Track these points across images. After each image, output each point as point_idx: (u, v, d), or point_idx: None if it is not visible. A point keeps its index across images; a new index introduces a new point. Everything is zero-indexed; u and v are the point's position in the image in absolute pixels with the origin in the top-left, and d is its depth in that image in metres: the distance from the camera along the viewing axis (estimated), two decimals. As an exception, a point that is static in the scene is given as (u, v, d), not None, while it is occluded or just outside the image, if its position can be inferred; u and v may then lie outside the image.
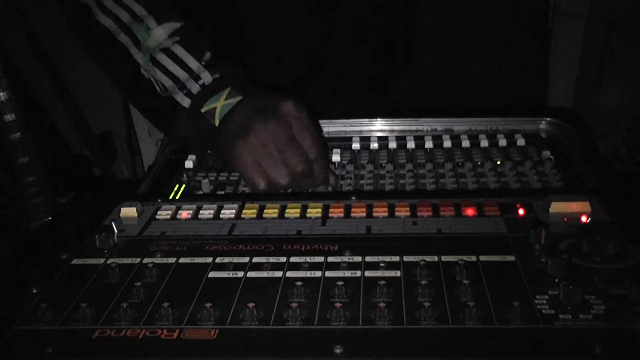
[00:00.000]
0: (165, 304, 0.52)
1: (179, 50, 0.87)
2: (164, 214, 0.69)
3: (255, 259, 0.59)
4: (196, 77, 0.86)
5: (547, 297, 0.52)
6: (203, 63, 0.86)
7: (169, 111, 0.87)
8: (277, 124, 0.78)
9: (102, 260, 0.61)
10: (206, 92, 0.85)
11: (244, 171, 0.80)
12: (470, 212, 0.66)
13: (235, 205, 0.70)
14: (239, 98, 0.83)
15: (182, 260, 0.60)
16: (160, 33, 0.87)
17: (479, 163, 0.86)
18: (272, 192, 0.79)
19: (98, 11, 0.91)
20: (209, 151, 0.91)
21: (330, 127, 0.97)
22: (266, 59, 1.07)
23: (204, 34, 0.90)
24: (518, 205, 0.66)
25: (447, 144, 0.91)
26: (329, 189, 0.83)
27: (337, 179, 0.84)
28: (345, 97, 1.13)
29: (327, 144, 0.89)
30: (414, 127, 0.96)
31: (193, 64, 0.86)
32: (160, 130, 0.99)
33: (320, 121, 0.92)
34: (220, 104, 0.83)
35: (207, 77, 0.85)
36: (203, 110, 0.84)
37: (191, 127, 0.86)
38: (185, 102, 0.86)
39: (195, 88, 0.85)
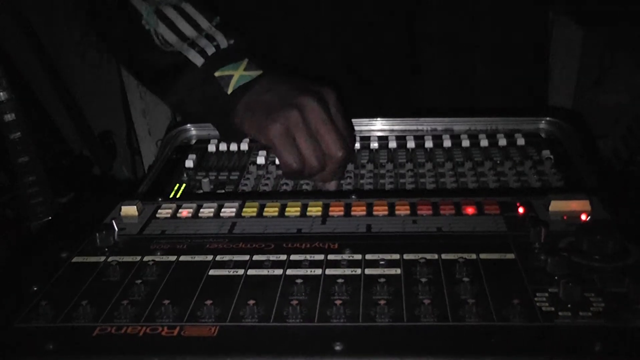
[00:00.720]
0: (166, 302, 0.52)
1: (189, 9, 0.84)
2: (164, 212, 0.69)
3: (256, 257, 0.60)
4: (209, 37, 0.83)
5: (546, 294, 0.52)
6: (214, 24, 0.84)
7: (170, 66, 0.84)
8: (321, 105, 0.76)
9: (102, 258, 0.61)
10: (223, 57, 0.82)
11: (279, 144, 0.77)
12: (470, 210, 0.66)
13: (236, 204, 0.70)
14: (258, 72, 0.80)
15: (182, 258, 0.60)
16: None
17: (480, 161, 0.86)
18: (299, 176, 0.78)
19: None
20: (212, 124, 0.89)
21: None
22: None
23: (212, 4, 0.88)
24: (518, 204, 0.66)
25: (447, 143, 0.91)
26: (330, 187, 0.83)
27: (338, 182, 0.84)
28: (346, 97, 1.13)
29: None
30: (414, 127, 0.97)
31: (204, 23, 0.84)
32: (151, 90, 0.95)
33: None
34: (238, 73, 0.80)
35: (222, 40, 0.83)
36: (217, 74, 0.81)
37: (194, 90, 0.83)
38: (198, 60, 0.82)
39: (209, 48, 0.82)
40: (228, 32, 0.84)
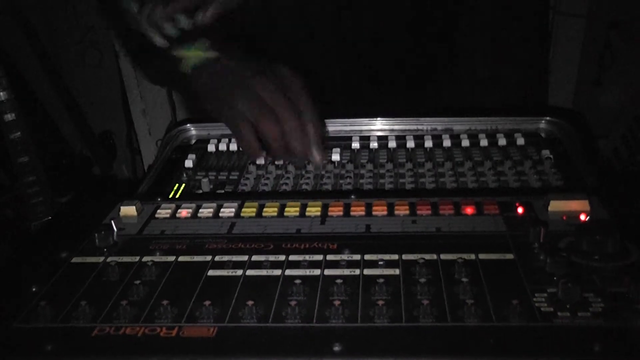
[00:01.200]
0: (165, 302, 0.52)
1: None
2: (163, 212, 0.69)
3: (255, 257, 0.60)
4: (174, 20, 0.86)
5: (545, 295, 0.52)
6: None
7: (142, 46, 0.88)
8: (270, 81, 0.79)
9: (101, 259, 0.61)
10: (183, 38, 0.85)
11: (233, 123, 0.80)
12: (469, 210, 0.66)
13: (235, 204, 0.70)
14: (214, 54, 0.83)
15: (181, 258, 0.60)
16: None
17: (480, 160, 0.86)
18: (263, 151, 0.79)
19: None
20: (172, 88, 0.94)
21: (330, 126, 0.97)
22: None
23: None
24: (517, 204, 0.66)
25: (446, 143, 0.91)
26: (313, 167, 0.82)
27: (323, 157, 0.81)
28: (346, 97, 1.13)
29: (323, 121, 0.87)
30: (414, 127, 0.96)
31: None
32: (145, 74, 0.99)
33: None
34: (193, 54, 0.83)
35: (185, 22, 0.85)
36: (177, 54, 0.84)
37: (162, 66, 0.89)
38: (161, 42, 0.86)
39: (172, 30, 0.85)
40: (195, 15, 0.86)
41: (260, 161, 0.87)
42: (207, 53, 0.83)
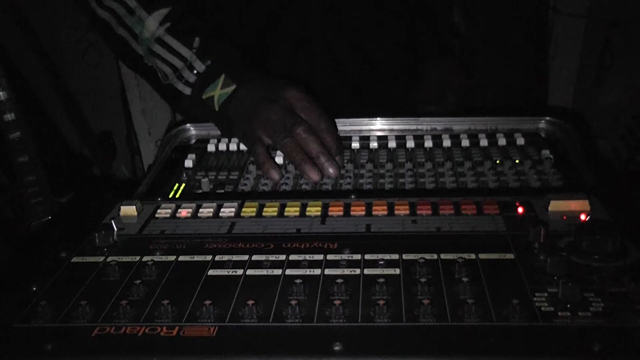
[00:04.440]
0: (165, 302, 0.52)
1: (170, 40, 0.94)
2: (163, 212, 0.69)
3: (255, 257, 0.59)
4: (190, 66, 0.93)
5: (546, 294, 0.52)
6: (194, 50, 0.93)
7: (173, 96, 0.95)
8: (284, 107, 0.85)
9: (101, 258, 0.61)
10: (202, 81, 0.92)
11: (253, 148, 0.85)
12: (469, 210, 0.66)
13: (235, 204, 0.70)
14: (233, 87, 0.90)
15: (181, 258, 0.60)
16: (151, 22, 0.94)
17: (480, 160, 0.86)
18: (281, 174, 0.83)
19: (96, 5, 0.98)
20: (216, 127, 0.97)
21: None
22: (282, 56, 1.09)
23: (193, 14, 0.96)
24: (517, 204, 0.66)
25: (446, 143, 0.91)
26: (328, 179, 0.82)
27: (338, 171, 0.83)
28: (345, 97, 1.13)
29: (335, 124, 0.92)
30: (414, 127, 0.96)
31: (185, 52, 0.93)
32: (173, 108, 1.06)
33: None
34: (217, 93, 0.90)
35: (199, 66, 0.93)
36: (204, 97, 0.91)
37: (196, 109, 0.94)
38: (187, 90, 0.93)
39: (192, 78, 0.93)
40: (205, 53, 0.93)
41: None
42: (229, 88, 0.90)
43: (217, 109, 0.91)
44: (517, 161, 0.86)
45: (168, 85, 0.95)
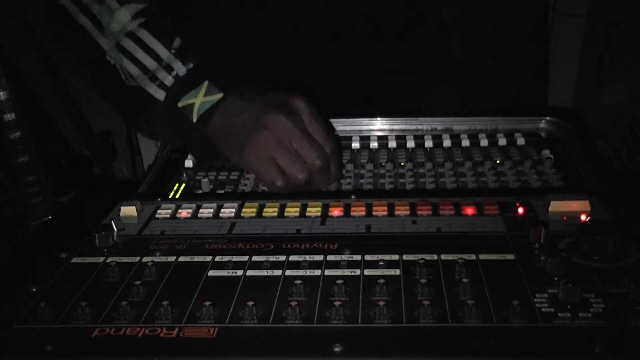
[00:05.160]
0: (165, 303, 0.52)
1: (146, 36, 0.83)
2: (163, 212, 0.69)
3: (255, 258, 0.59)
4: (167, 67, 0.82)
5: (546, 295, 0.52)
6: (173, 51, 0.82)
7: (136, 101, 0.83)
8: (291, 120, 0.76)
9: (101, 259, 0.61)
10: (181, 86, 0.81)
11: (259, 169, 0.78)
12: (469, 211, 0.66)
13: (235, 204, 0.70)
14: (219, 95, 0.80)
15: (181, 258, 0.60)
16: (123, 14, 0.83)
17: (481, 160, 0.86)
18: (289, 190, 0.78)
19: None
20: (181, 143, 0.89)
21: (330, 126, 0.97)
22: (271, 58, 1.07)
23: (170, 16, 0.86)
24: (517, 204, 0.66)
25: (446, 143, 0.91)
26: (331, 188, 0.82)
27: (339, 182, 0.84)
28: (345, 96, 1.13)
29: (340, 141, 0.89)
30: (414, 127, 0.96)
31: (162, 51, 0.82)
32: (125, 121, 0.96)
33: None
34: (199, 100, 0.80)
35: (180, 68, 0.82)
36: (180, 105, 0.80)
37: (165, 120, 0.83)
38: (160, 94, 0.82)
39: (168, 80, 0.82)
40: (187, 55, 0.82)
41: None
42: (213, 96, 0.80)
43: (194, 119, 0.80)
44: (497, 161, 0.86)
45: (133, 87, 0.83)
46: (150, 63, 0.82)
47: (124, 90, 0.84)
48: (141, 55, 0.83)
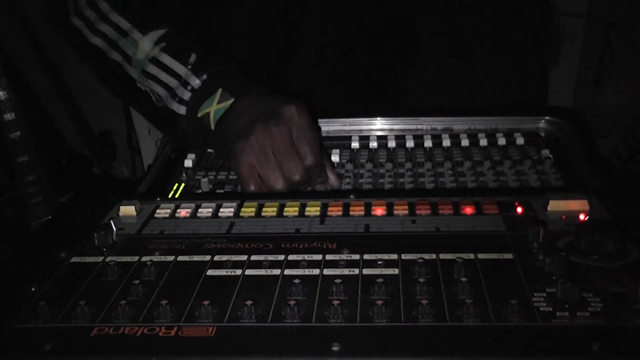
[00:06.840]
0: (164, 302, 0.52)
1: (165, 58, 0.87)
2: (162, 212, 0.69)
3: (254, 257, 0.59)
4: (185, 83, 0.86)
5: (545, 294, 0.52)
6: (189, 67, 0.86)
7: (170, 119, 0.87)
8: (278, 130, 0.78)
9: (100, 259, 0.61)
10: (198, 97, 0.84)
11: (238, 171, 0.79)
12: (469, 210, 0.66)
13: (234, 204, 0.70)
14: (231, 101, 0.82)
15: (180, 258, 0.60)
16: (146, 43, 0.89)
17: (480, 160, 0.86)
18: (265, 192, 0.79)
19: (89, 32, 0.93)
20: (209, 150, 0.92)
21: (330, 126, 0.97)
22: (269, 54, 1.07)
23: (189, 33, 0.90)
24: (516, 204, 0.66)
25: (446, 143, 0.91)
26: (329, 187, 0.83)
27: (339, 181, 0.84)
28: (345, 96, 1.13)
29: (326, 150, 0.89)
30: (414, 126, 0.96)
31: (180, 69, 0.86)
32: (166, 135, 1.00)
33: (320, 120, 0.92)
34: (213, 109, 0.82)
35: (194, 81, 0.85)
36: (199, 115, 0.83)
37: (193, 131, 0.86)
38: (181, 110, 0.85)
39: (186, 95, 0.85)
40: (201, 68, 0.86)
41: None
42: (226, 102, 0.82)
43: (212, 127, 0.82)
44: (496, 160, 0.86)
45: (163, 108, 0.88)
46: (172, 81, 0.87)
47: (157, 112, 0.90)
48: (164, 77, 0.87)
